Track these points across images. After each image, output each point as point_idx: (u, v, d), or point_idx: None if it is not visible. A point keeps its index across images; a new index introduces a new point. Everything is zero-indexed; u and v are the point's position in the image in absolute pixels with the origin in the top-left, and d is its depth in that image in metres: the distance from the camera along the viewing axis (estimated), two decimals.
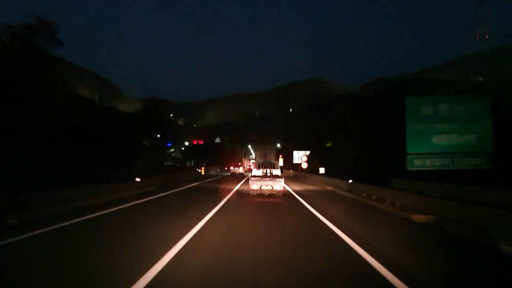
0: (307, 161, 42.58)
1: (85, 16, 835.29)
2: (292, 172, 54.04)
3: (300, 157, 53.11)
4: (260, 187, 16.98)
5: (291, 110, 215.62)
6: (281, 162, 79.35)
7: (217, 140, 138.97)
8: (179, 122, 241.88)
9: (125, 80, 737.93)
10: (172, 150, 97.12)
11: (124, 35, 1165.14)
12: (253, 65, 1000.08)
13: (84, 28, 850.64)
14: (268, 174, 17.98)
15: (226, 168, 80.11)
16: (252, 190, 17.20)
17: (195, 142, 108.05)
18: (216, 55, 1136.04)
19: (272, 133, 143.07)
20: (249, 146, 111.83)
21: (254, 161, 22.81)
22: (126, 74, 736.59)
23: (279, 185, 16.92)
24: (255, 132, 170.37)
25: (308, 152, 51.74)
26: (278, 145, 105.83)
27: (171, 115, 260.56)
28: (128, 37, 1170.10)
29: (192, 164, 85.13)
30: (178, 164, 74.65)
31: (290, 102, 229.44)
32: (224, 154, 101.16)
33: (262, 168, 18.41)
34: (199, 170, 49.06)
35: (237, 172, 52.52)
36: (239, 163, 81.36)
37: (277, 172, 18.35)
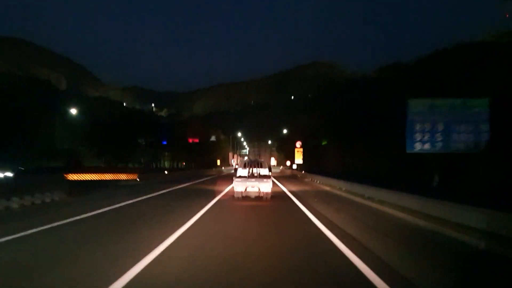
0: None
1: (69, 6, 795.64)
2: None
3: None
4: (246, 189, 15.48)
5: (292, 97, 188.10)
6: (299, 159, 47.90)
7: (213, 138, 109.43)
8: (162, 113, 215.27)
9: (106, 68, 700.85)
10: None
11: (105, 21, 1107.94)
12: (249, 49, 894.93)
13: (68, 16, 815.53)
14: (255, 174, 16.23)
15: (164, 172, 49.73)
16: (237, 192, 15.60)
17: (190, 141, 79.07)
18: (206, 40, 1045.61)
19: (270, 122, 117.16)
20: (239, 134, 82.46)
21: (247, 158, 20.83)
22: (107, 62, 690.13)
23: (266, 187, 15.42)
24: (250, 122, 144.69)
25: None
26: (285, 131, 76.93)
27: (153, 104, 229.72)
28: (110, 23, 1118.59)
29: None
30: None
31: (292, 88, 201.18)
32: (198, 150, 71.87)
33: (248, 167, 16.62)
34: None
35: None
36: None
37: (265, 171, 16.66)
